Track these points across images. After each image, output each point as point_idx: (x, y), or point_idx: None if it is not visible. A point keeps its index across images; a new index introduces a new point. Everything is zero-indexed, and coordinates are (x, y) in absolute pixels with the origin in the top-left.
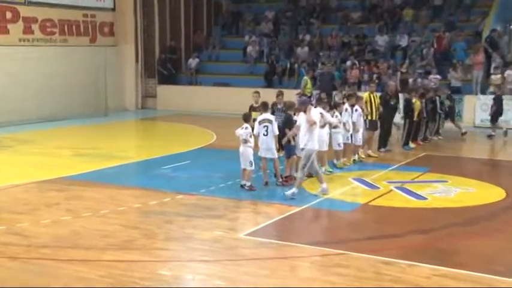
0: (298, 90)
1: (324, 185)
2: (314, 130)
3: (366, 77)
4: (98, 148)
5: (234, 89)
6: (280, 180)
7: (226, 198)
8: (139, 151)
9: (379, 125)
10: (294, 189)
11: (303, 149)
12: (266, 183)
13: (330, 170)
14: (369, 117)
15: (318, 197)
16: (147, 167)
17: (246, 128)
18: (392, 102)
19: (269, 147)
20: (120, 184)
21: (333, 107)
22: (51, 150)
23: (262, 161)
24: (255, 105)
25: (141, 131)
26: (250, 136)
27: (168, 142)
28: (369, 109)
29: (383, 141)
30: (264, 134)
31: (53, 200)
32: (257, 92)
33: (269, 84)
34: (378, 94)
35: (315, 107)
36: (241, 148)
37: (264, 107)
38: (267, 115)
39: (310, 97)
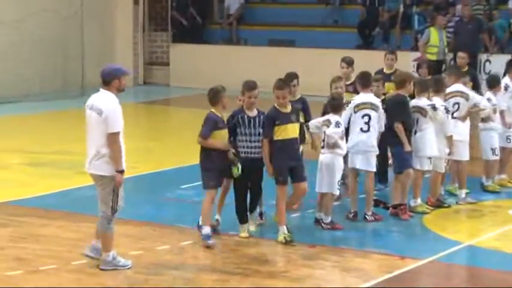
0: (416, 54)
1: (111, 254)
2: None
3: None
4: (68, 152)
5: (304, 52)
6: (381, 212)
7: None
8: (140, 158)
9: None
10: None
11: (430, 158)
12: (355, 215)
13: (470, 201)
14: None
15: (452, 245)
16: (153, 185)
17: (337, 123)
18: None
19: (368, 153)
20: None
21: (491, 84)
22: None
23: (350, 176)
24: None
25: (143, 124)
26: (342, 138)
27: (189, 143)
28: None
29: None
30: (362, 130)
31: None
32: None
33: (366, 42)
34: None
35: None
36: (325, 157)
37: (362, 80)
38: (369, 96)
39: (441, 63)
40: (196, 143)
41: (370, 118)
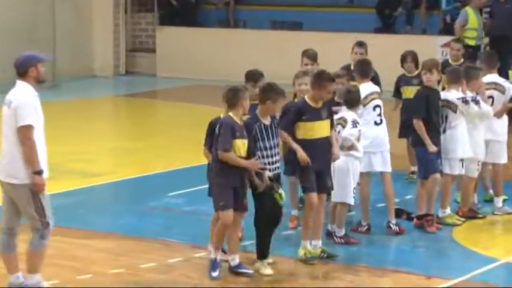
0: (444, 39)
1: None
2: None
3: None
4: None
5: (313, 36)
6: (403, 223)
7: (297, 259)
8: (121, 161)
9: None
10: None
11: (462, 160)
12: (368, 229)
13: (508, 210)
14: None
15: (487, 262)
16: (136, 192)
17: (354, 122)
18: None
19: (385, 150)
20: (82, 227)
21: None
22: None
23: (362, 182)
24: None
25: (123, 121)
26: (359, 139)
27: (178, 143)
28: None
29: None
30: (376, 123)
31: None
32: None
33: (386, 25)
34: None
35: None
36: (338, 160)
37: (363, 68)
38: (372, 85)
39: (477, 48)
40: (189, 143)
41: (381, 108)
